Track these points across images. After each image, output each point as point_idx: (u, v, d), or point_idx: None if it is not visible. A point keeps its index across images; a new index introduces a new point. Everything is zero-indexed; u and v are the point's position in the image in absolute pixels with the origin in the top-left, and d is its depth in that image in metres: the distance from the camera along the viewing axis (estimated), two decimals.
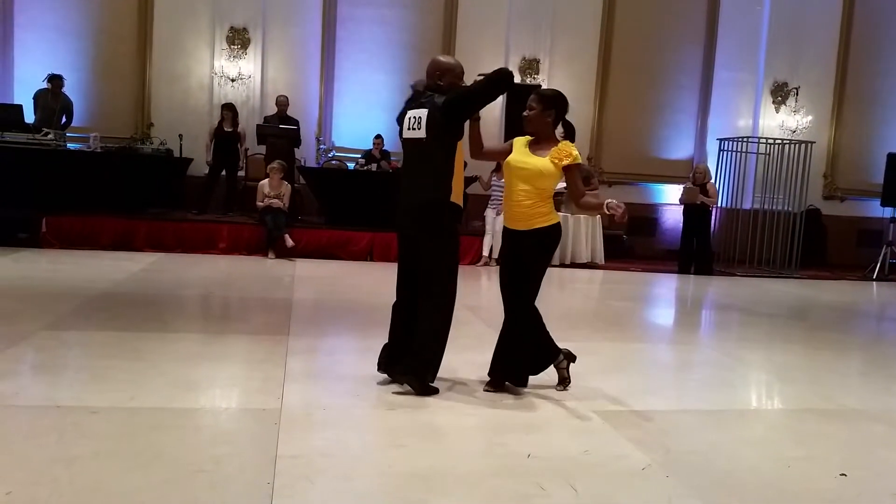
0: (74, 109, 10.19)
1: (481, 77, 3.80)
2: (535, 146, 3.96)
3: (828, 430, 3.74)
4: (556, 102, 3.97)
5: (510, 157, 3.95)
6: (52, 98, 9.89)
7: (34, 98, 9.95)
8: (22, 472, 2.62)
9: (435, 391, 3.82)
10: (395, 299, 4.06)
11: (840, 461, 3.25)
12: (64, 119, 10.03)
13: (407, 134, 3.86)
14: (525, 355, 3.95)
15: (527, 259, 3.89)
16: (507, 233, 4.00)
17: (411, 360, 3.80)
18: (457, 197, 3.83)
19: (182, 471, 2.71)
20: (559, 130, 4.07)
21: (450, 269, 3.86)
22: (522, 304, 3.90)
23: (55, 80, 9.87)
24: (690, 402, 4.11)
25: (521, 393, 3.95)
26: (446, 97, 3.73)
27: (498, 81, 3.78)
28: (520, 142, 4.01)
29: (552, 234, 3.92)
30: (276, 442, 3.01)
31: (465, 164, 4.10)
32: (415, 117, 3.79)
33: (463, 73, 3.93)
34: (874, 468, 3.25)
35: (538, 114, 3.95)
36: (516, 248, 3.93)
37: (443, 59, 3.97)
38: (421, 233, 3.83)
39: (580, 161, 3.93)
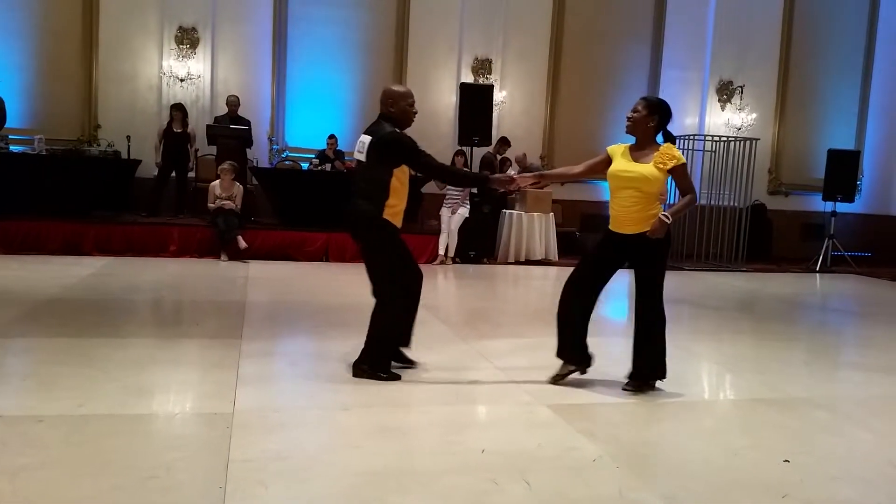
0: (19, 110, 9.86)
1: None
2: (636, 152, 4.04)
3: (774, 418, 3.86)
4: (660, 109, 4.05)
5: (613, 168, 4.07)
6: None
7: None
8: None
9: (394, 377, 4.07)
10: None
11: (785, 448, 3.35)
12: None
13: (355, 155, 4.21)
14: (663, 350, 4.13)
15: (647, 261, 4.05)
16: (614, 237, 4.12)
17: (360, 358, 4.14)
18: (392, 216, 4.06)
19: (133, 477, 2.67)
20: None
21: (389, 275, 4.10)
22: (654, 304, 4.13)
23: None
24: (641, 395, 4.19)
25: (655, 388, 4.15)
26: (383, 141, 4.02)
27: (471, 182, 4.18)
28: (618, 151, 4.11)
29: (666, 236, 4.03)
30: (228, 446, 2.99)
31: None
32: (361, 142, 4.12)
33: (413, 100, 4.26)
34: (817, 454, 3.37)
35: (642, 117, 4.02)
36: (625, 251, 4.10)
37: (394, 87, 4.36)
38: (360, 242, 4.21)
39: (684, 161, 4.02)
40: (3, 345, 4.58)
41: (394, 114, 4.16)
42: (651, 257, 4.05)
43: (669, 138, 4.14)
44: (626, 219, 4.04)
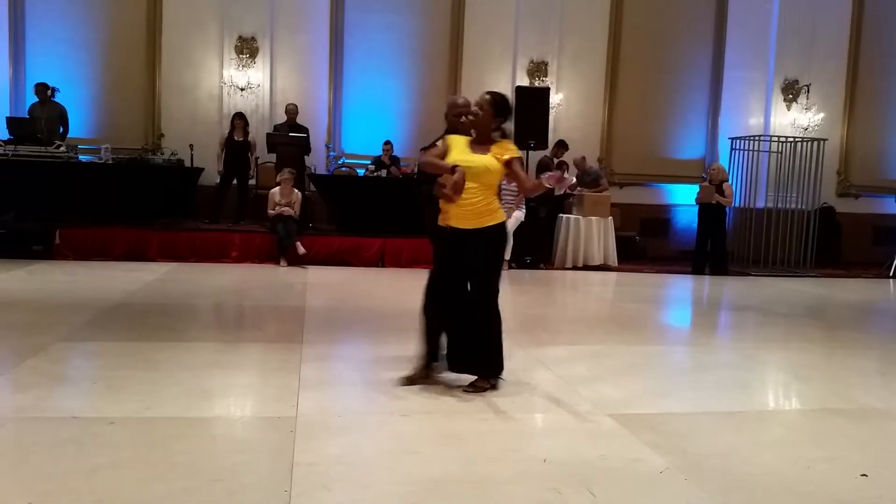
0: (86, 121, 10.26)
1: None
2: (475, 146, 4.01)
3: (848, 430, 3.69)
4: (504, 109, 4.05)
5: (451, 158, 3.94)
6: (42, 108, 9.92)
7: (28, 113, 10.01)
8: (42, 483, 2.63)
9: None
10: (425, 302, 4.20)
11: (861, 461, 3.20)
12: (61, 129, 10.04)
13: None
14: (498, 346, 4.05)
15: (484, 258, 3.97)
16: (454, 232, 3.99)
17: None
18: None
19: (200, 480, 2.71)
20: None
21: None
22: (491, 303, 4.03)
23: (40, 89, 9.89)
24: (707, 404, 4.07)
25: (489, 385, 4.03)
26: None
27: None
28: (459, 142, 4.04)
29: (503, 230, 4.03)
30: (292, 450, 3.01)
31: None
32: None
33: (457, 110, 4.27)
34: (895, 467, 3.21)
35: (490, 116, 3.99)
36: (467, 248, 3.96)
37: (449, 98, 4.59)
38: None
39: (520, 154, 4.03)
40: (73, 348, 4.74)
41: (448, 123, 4.31)
42: (488, 254, 3.98)
43: (505, 136, 4.09)
44: (468, 213, 3.92)
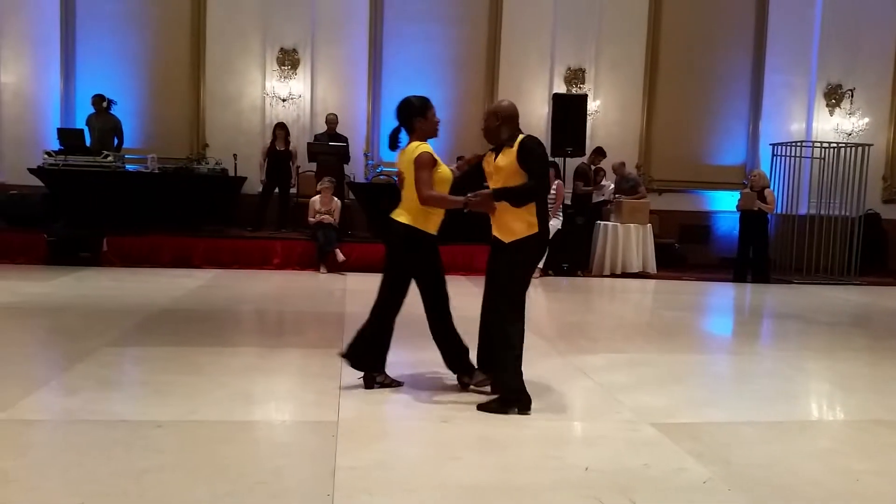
0: (132, 131, 10.53)
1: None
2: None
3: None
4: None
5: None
6: (98, 119, 10.22)
7: (86, 123, 10.32)
8: (93, 484, 2.71)
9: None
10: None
11: None
12: (116, 141, 10.31)
13: None
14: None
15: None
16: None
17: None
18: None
19: (244, 483, 2.77)
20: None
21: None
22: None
23: (96, 100, 10.18)
24: (750, 414, 4.01)
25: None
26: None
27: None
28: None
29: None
30: (333, 454, 3.06)
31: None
32: None
33: (488, 116, 4.14)
34: None
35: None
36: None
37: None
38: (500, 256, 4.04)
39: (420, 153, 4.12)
40: (121, 353, 4.87)
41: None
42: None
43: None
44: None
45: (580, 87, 11.83)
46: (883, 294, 9.69)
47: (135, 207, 9.54)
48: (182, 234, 9.42)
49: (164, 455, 3.02)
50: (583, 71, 11.94)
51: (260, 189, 10.48)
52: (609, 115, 12.09)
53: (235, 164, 10.27)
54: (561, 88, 11.74)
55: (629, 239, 10.28)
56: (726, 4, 12.35)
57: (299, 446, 3.28)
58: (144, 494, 2.64)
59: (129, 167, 10.27)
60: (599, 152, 11.11)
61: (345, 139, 10.56)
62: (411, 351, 5.33)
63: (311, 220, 9.41)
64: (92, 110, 10.26)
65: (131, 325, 5.64)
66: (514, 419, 3.66)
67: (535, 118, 11.90)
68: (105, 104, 10.23)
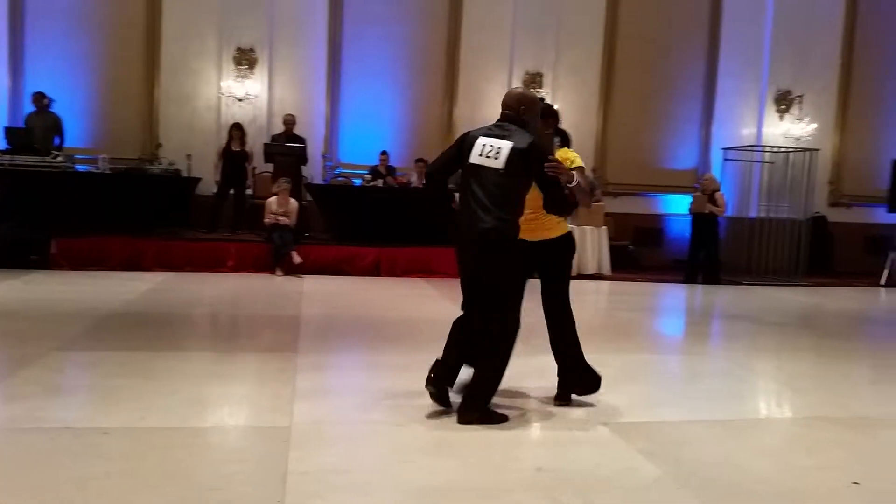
0: (84, 131, 10.29)
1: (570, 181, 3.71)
2: None
3: (841, 438, 3.72)
4: (547, 113, 4.06)
5: None
6: (38, 117, 9.96)
7: (25, 121, 10.05)
8: (34, 493, 2.63)
9: (503, 419, 3.68)
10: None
11: (854, 469, 3.23)
12: (57, 140, 10.05)
13: (479, 160, 3.67)
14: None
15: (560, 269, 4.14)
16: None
17: (466, 402, 3.67)
18: (521, 233, 3.77)
19: (194, 489, 2.72)
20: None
21: (514, 301, 3.81)
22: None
23: (36, 97, 9.94)
24: (701, 413, 4.09)
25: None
26: (535, 150, 3.62)
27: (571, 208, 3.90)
28: None
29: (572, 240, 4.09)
30: (286, 459, 3.02)
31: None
32: (493, 147, 3.64)
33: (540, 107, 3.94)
34: (888, 475, 3.23)
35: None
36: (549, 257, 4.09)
37: (521, 90, 4.00)
38: (485, 261, 3.69)
39: (583, 166, 3.99)
40: (68, 358, 4.75)
41: (524, 120, 3.75)
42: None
43: (565, 138, 4.15)
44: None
45: (538, 91, 11.93)
46: (829, 295, 9.98)
47: (85, 209, 9.31)
48: (134, 236, 9.23)
49: (110, 462, 2.95)
50: (541, 75, 12.06)
51: (214, 190, 10.33)
52: (566, 118, 12.02)
53: (189, 164, 10.12)
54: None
55: (585, 241, 10.39)
56: (681, 11, 12.60)
57: (252, 452, 3.23)
58: (89, 503, 2.58)
59: (80, 167, 10.04)
60: None
61: (302, 140, 10.48)
62: (368, 354, 5.32)
63: (267, 220, 9.30)
64: (32, 109, 10.00)
65: (80, 329, 5.51)
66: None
67: (494, 121, 11.96)
68: (45, 102, 9.98)
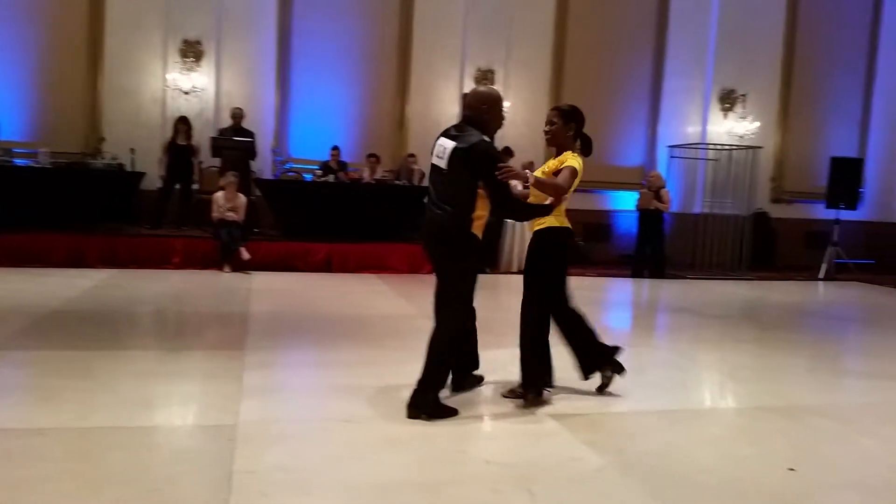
0: (23, 124, 9.95)
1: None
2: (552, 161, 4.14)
3: (779, 427, 3.84)
4: (574, 116, 4.11)
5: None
6: None
7: None
8: None
9: (452, 412, 3.72)
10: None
11: (790, 457, 3.34)
12: None
13: (433, 160, 3.84)
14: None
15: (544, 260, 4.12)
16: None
17: (416, 396, 3.71)
18: (477, 229, 3.85)
19: (136, 491, 2.67)
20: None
21: (462, 294, 3.83)
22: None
23: None
24: (645, 404, 4.18)
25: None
26: (474, 151, 3.68)
27: (521, 214, 4.20)
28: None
29: (562, 235, 4.09)
30: (231, 458, 2.98)
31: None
32: (441, 146, 3.78)
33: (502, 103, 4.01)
34: (822, 462, 3.36)
35: (560, 128, 4.08)
36: (535, 247, 4.13)
37: (485, 89, 4.06)
38: (440, 256, 3.86)
39: (572, 166, 3.98)
40: (5, 357, 4.59)
41: (485, 119, 3.83)
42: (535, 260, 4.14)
43: (587, 142, 4.21)
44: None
45: (483, 85, 11.99)
46: (770, 288, 10.28)
47: (24, 204, 9.00)
48: (76, 233, 8.96)
49: (46, 464, 2.87)
50: (492, 72, 12.11)
51: (159, 185, 10.10)
52: (518, 115, 12.29)
53: (133, 158, 9.88)
54: (471, 88, 11.85)
55: None
56: (629, 12, 12.77)
57: (196, 452, 3.18)
58: None
59: (19, 161, 9.70)
60: (508, 152, 11.26)
61: (251, 134, 10.32)
62: (318, 351, 5.28)
63: (215, 215, 9.14)
64: None
65: (18, 327, 5.33)
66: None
67: (446, 117, 11.96)
68: None
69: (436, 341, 3.74)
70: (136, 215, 9.89)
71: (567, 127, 4.06)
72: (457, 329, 3.83)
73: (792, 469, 3.16)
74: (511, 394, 4.10)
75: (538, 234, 4.08)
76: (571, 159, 3.99)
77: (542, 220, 4.03)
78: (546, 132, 4.13)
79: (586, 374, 4.22)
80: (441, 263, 3.84)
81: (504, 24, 12.06)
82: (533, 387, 4.00)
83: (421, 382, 3.69)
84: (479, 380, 4.29)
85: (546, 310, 4.09)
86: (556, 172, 3.98)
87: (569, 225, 4.09)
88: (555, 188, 3.90)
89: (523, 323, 4.09)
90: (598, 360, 4.22)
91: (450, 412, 3.70)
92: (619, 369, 4.24)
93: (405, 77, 11.86)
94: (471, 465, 3.06)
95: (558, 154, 4.09)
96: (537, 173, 4.09)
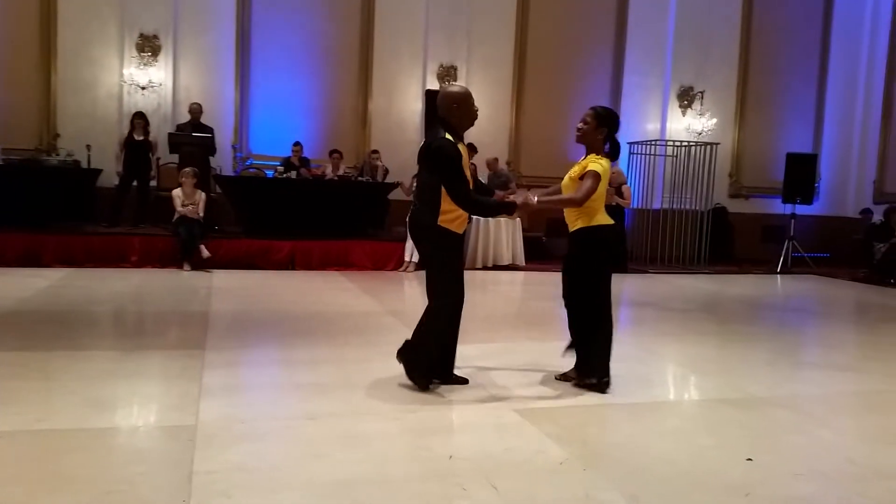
0: None
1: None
2: (582, 161, 4.23)
3: (738, 418, 3.91)
4: (609, 120, 4.17)
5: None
6: None
7: None
8: None
9: (424, 386, 4.02)
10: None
11: (748, 447, 3.40)
12: None
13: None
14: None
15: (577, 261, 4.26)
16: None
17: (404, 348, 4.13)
18: (449, 223, 3.97)
19: (93, 493, 2.61)
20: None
21: (440, 285, 4.03)
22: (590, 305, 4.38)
23: None
24: (607, 397, 4.20)
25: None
26: (431, 150, 3.94)
27: (496, 212, 4.41)
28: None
29: (594, 234, 4.17)
30: (191, 459, 2.94)
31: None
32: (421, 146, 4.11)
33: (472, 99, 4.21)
34: (778, 452, 3.43)
35: (592, 129, 4.16)
36: (570, 249, 4.33)
37: (453, 89, 4.28)
38: (420, 250, 4.28)
39: (595, 170, 4.06)
40: None
41: (455, 118, 4.11)
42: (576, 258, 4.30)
43: (615, 147, 4.26)
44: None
45: (453, 84, 11.98)
46: (729, 282, 10.47)
47: None
48: (31, 231, 8.76)
49: (1, 468, 2.79)
50: (455, 68, 12.12)
51: (116, 182, 9.91)
52: (480, 111, 11.99)
53: (89, 155, 9.68)
54: (434, 85, 11.84)
55: (500, 233, 10.56)
56: (589, 10, 12.90)
57: (155, 452, 3.13)
58: None
59: None
60: (471, 148, 11.27)
61: (210, 130, 10.17)
62: (280, 349, 5.23)
63: (179, 209, 8.97)
64: None
65: None
66: (381, 413, 3.67)
67: (409, 113, 11.97)
68: None
69: (422, 327, 4.06)
70: (93, 213, 9.70)
71: (598, 130, 4.16)
72: (446, 321, 4.06)
73: (750, 459, 3.22)
74: (565, 378, 4.33)
75: (572, 237, 4.27)
76: (593, 163, 4.08)
77: (574, 221, 4.20)
78: (578, 129, 4.22)
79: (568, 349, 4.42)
80: (422, 257, 4.24)
81: (466, 20, 12.08)
82: (605, 374, 4.20)
83: (412, 343, 4.03)
84: (464, 381, 4.28)
85: (602, 300, 4.35)
86: (582, 177, 4.10)
87: (607, 222, 4.23)
88: (569, 201, 4.12)
89: (580, 311, 4.36)
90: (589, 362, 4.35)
91: (421, 384, 3.99)
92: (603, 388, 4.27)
93: (367, 72, 11.80)
94: (436, 460, 3.06)
95: (588, 153, 4.19)
96: (565, 179, 4.26)
